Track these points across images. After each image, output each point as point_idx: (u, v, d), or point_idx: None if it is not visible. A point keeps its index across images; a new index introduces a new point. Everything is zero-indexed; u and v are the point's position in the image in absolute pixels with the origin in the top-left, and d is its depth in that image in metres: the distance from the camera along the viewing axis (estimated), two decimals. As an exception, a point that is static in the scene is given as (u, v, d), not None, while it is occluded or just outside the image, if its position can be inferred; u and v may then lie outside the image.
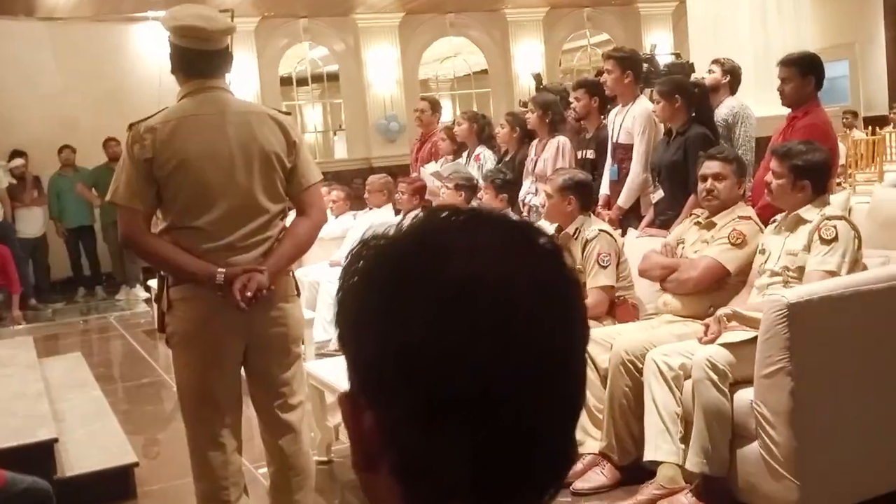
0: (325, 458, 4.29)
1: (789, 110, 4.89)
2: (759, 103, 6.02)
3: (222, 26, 2.88)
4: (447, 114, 13.45)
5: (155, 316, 3.14)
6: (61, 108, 10.81)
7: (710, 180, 3.97)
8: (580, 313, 0.73)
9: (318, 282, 6.56)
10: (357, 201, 8.04)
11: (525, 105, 7.76)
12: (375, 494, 0.72)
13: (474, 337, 0.66)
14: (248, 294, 2.76)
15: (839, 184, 8.43)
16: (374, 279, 0.71)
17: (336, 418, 4.43)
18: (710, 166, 4.00)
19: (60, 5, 10.94)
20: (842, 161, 9.71)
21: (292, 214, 3.05)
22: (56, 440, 4.04)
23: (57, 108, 10.80)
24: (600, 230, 4.28)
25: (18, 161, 10.15)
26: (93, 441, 4.50)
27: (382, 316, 0.69)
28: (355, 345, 0.72)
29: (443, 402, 0.66)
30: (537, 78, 8.36)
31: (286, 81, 13.73)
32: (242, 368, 2.97)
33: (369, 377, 0.70)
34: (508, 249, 0.70)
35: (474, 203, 6.42)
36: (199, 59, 2.85)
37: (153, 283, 7.71)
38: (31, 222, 10.23)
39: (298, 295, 3.07)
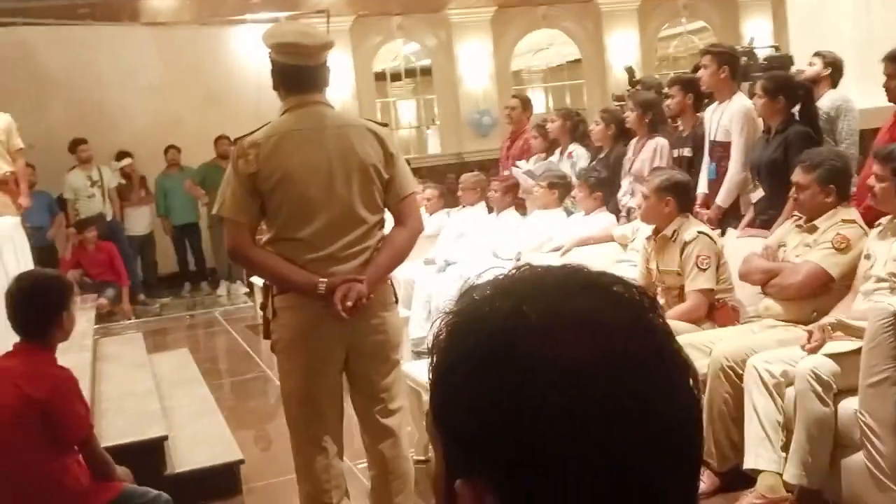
0: (422, 458, 4.35)
1: (895, 106, 4.72)
2: (862, 94, 5.82)
3: (321, 42, 2.96)
4: (540, 105, 13.42)
5: (261, 323, 3.25)
6: (165, 109, 11.14)
7: (793, 189, 3.91)
8: (680, 390, 0.70)
9: (413, 280, 6.63)
10: (450, 197, 8.07)
11: (619, 99, 7.68)
12: None
13: (559, 418, 0.64)
14: (349, 303, 2.84)
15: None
16: (456, 362, 0.70)
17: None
18: (795, 174, 3.92)
19: (163, 11, 11.33)
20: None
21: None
22: (166, 437, 4.22)
23: (161, 109, 11.13)
24: (699, 232, 4.22)
25: (127, 160, 10.48)
26: (200, 438, 4.66)
27: (470, 400, 0.67)
28: (454, 425, 0.70)
29: (570, 478, 0.64)
30: (629, 71, 8.23)
31: (380, 77, 13.90)
32: (344, 375, 3.06)
33: (483, 455, 0.68)
34: (589, 325, 0.67)
35: (568, 201, 6.40)
36: (299, 74, 2.93)
37: (256, 279, 7.92)
38: (139, 220, 10.61)
39: (397, 302, 3.14)
